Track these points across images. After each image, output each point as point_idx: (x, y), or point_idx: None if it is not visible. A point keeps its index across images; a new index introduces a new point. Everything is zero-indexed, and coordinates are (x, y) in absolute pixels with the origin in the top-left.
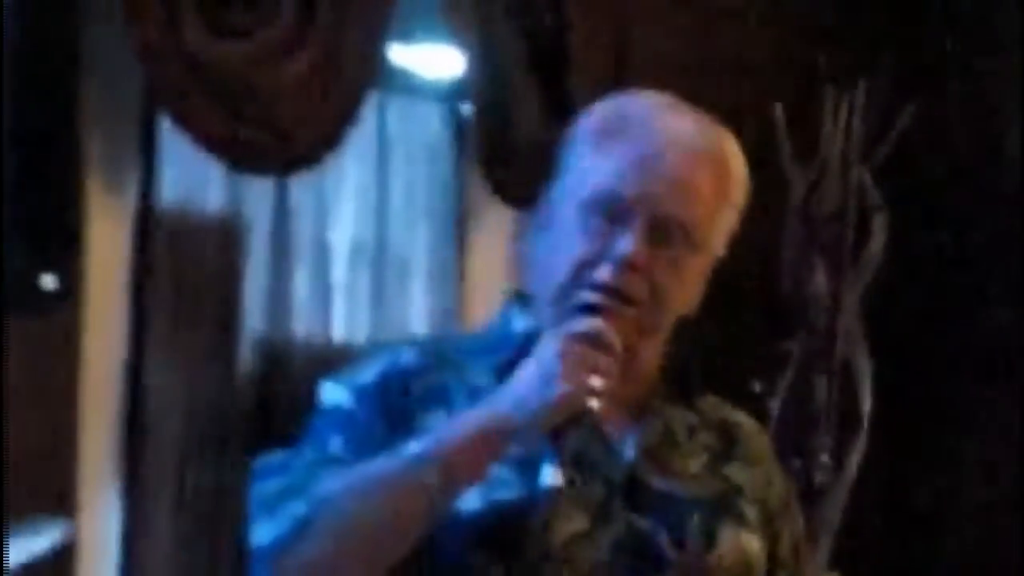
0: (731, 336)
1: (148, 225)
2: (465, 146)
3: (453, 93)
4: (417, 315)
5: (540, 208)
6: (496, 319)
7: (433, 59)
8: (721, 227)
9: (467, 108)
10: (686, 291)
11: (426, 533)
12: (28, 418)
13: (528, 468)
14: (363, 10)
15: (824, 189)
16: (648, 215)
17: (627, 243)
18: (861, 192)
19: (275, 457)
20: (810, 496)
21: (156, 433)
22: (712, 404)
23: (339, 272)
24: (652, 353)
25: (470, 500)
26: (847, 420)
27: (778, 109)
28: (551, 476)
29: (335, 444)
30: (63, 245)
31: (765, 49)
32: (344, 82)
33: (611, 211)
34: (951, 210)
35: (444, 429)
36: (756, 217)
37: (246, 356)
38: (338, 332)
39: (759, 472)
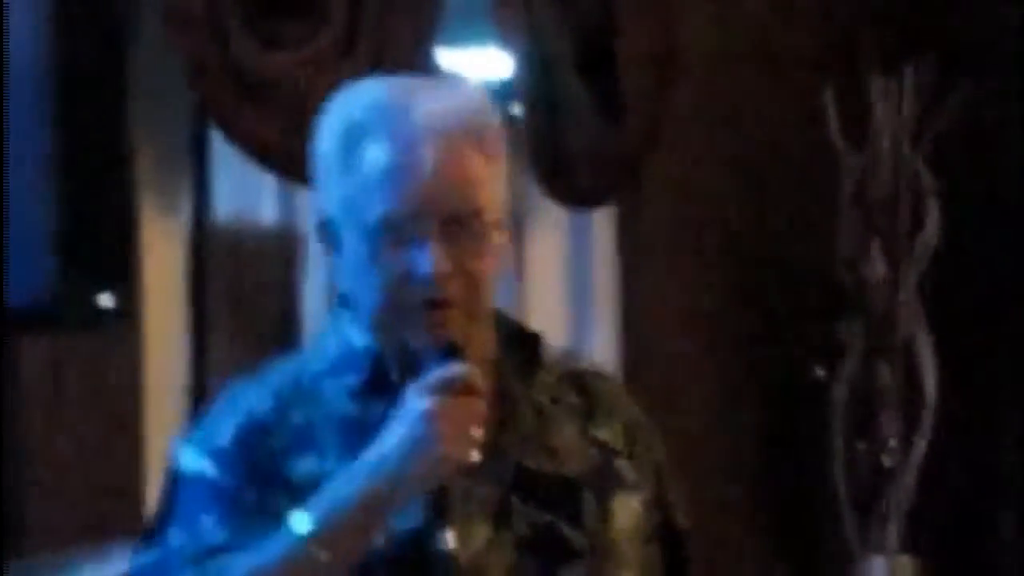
0: (791, 323)
1: (203, 239)
2: (515, 148)
3: (502, 95)
4: None
5: (316, 223)
6: (329, 328)
7: (481, 61)
8: (502, 189)
9: (516, 110)
10: (496, 263)
11: None
12: (92, 441)
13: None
14: (410, 15)
15: (877, 174)
16: (434, 221)
17: (425, 261)
18: (914, 176)
19: (148, 556)
20: (879, 480)
21: None
22: (557, 357)
23: None
24: (486, 334)
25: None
26: (913, 403)
27: (827, 95)
28: (444, 541)
29: (207, 524)
30: (118, 263)
31: (812, 35)
32: None
33: (396, 231)
34: (1007, 191)
35: (326, 501)
36: (810, 204)
37: None
38: None
39: (618, 421)
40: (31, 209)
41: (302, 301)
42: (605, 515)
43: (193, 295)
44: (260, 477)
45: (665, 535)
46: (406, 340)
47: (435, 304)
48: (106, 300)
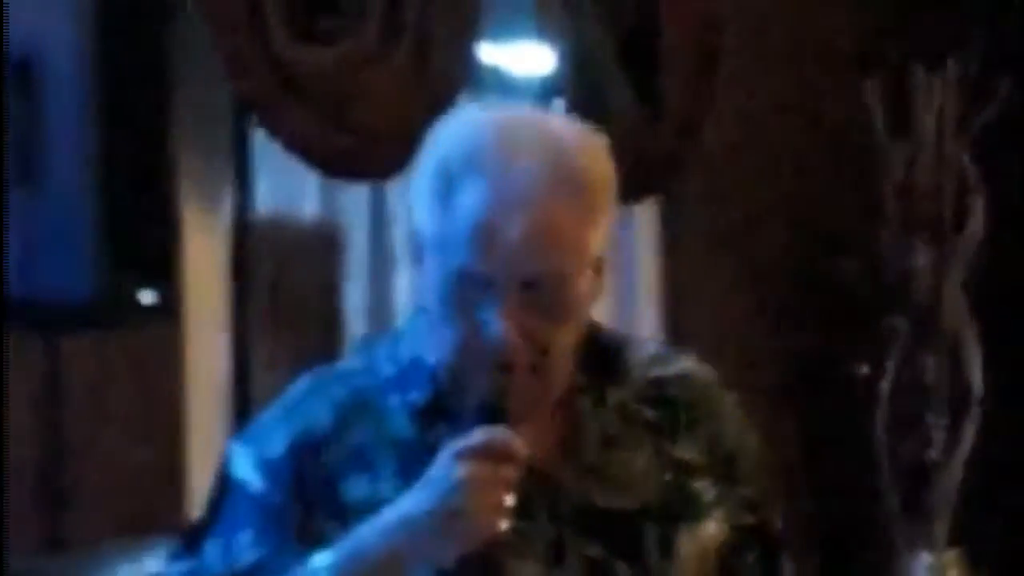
0: (835, 318)
1: (245, 236)
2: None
3: (544, 90)
4: None
5: (408, 231)
6: (406, 329)
7: (523, 57)
8: (597, 238)
9: (559, 105)
10: (580, 308)
11: None
12: (134, 436)
13: None
14: (452, 10)
15: (921, 166)
16: (511, 282)
17: (496, 324)
18: (959, 169)
19: (180, 566)
20: (926, 474)
21: None
22: (641, 363)
23: None
24: (563, 360)
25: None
26: (959, 397)
27: (869, 87)
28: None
29: (244, 541)
30: (161, 260)
31: (855, 27)
32: (435, 83)
33: (473, 285)
34: None
35: (348, 547)
36: (854, 196)
37: None
38: None
39: (701, 434)
40: (74, 207)
41: (344, 298)
42: (668, 549)
43: (235, 292)
44: (309, 495)
45: (759, 539)
46: (465, 393)
47: (501, 368)
48: (148, 297)
